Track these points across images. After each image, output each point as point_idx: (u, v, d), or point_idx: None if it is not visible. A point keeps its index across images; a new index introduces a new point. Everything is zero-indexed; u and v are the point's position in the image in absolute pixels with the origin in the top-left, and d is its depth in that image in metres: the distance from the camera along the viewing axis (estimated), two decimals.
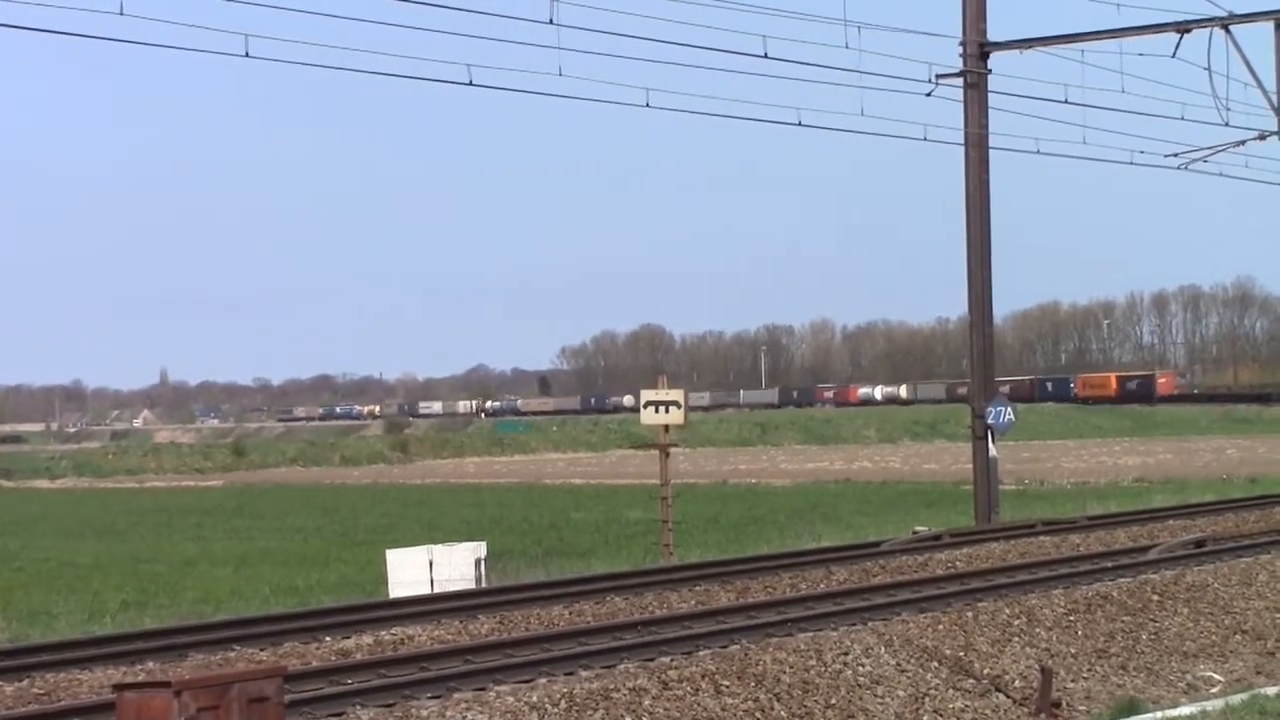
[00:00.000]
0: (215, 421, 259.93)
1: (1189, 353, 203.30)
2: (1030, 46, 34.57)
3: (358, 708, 15.70)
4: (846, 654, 18.67)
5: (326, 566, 40.19)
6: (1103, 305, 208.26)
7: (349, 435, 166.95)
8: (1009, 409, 34.93)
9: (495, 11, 23.35)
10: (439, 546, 28.91)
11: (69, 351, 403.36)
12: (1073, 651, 20.50)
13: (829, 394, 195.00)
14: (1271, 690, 19.60)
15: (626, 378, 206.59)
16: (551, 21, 23.32)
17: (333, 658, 18.89)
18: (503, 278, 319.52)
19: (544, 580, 26.85)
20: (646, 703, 16.50)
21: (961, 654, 19.53)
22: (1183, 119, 33.88)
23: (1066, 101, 32.41)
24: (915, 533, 32.01)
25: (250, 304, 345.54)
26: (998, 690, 18.79)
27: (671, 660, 17.83)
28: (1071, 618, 21.53)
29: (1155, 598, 23.00)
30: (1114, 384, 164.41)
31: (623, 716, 16.18)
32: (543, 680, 16.89)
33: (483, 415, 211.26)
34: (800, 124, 29.09)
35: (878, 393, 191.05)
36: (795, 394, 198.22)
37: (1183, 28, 32.91)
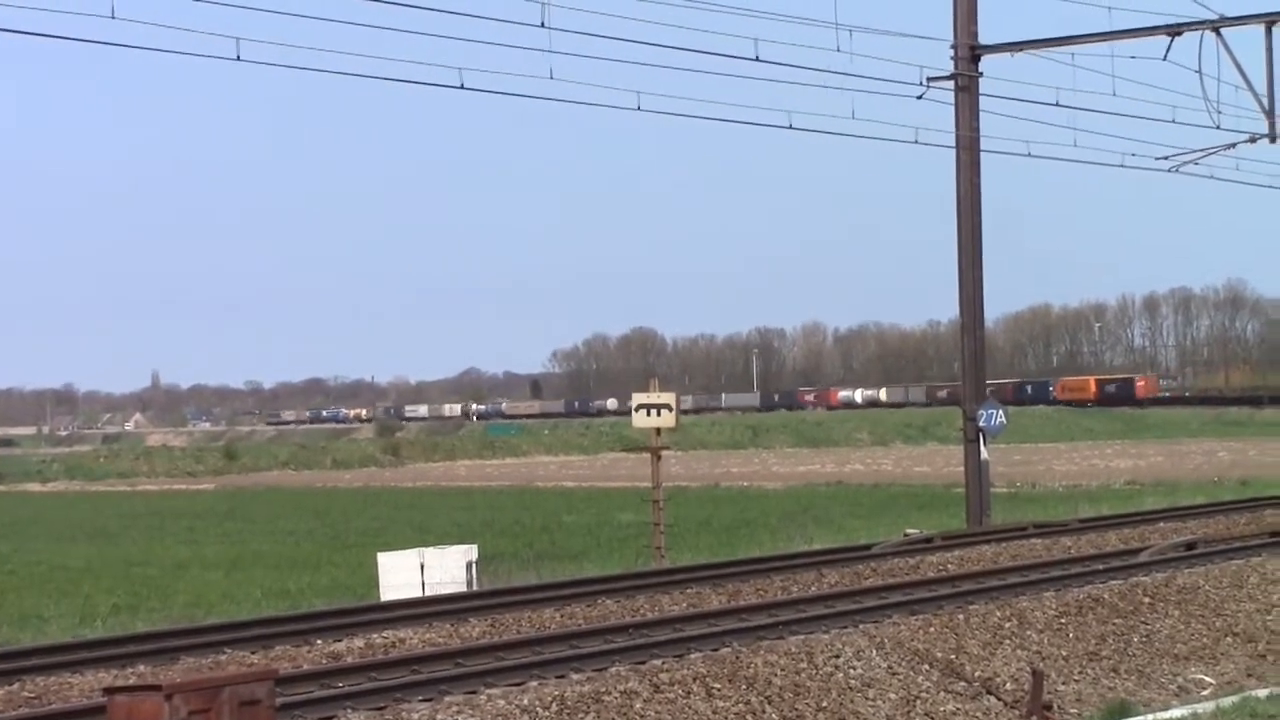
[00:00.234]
0: (207, 425, 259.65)
1: (1180, 355, 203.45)
2: (1021, 49, 34.60)
3: (349, 711, 15.70)
4: (838, 656, 18.67)
5: (318, 569, 40.15)
6: (1094, 308, 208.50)
7: (340, 438, 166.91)
8: (1000, 412, 34.96)
9: (487, 15, 23.35)
10: (430, 549, 28.88)
11: (60, 355, 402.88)
12: (1064, 654, 20.52)
13: (810, 397, 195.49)
14: (1262, 692, 19.63)
15: (618, 381, 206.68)
16: (543, 25, 23.33)
17: (324, 661, 18.89)
18: (495, 281, 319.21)
19: (535, 583, 26.84)
20: (638, 705, 16.50)
21: (953, 656, 19.54)
22: (1174, 121, 33.94)
23: (1057, 104, 32.45)
24: (907, 535, 32.01)
25: (242, 307, 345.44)
26: (989, 693, 18.80)
27: (663, 663, 17.83)
28: (1063, 620, 21.54)
29: (1146, 600, 23.02)
30: (1093, 387, 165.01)
31: (614, 719, 16.19)
32: (534, 683, 16.89)
33: (473, 419, 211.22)
34: (791, 127, 29.07)
35: (858, 395, 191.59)
36: (776, 397, 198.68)
37: (1174, 30, 32.95)
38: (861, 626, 20.11)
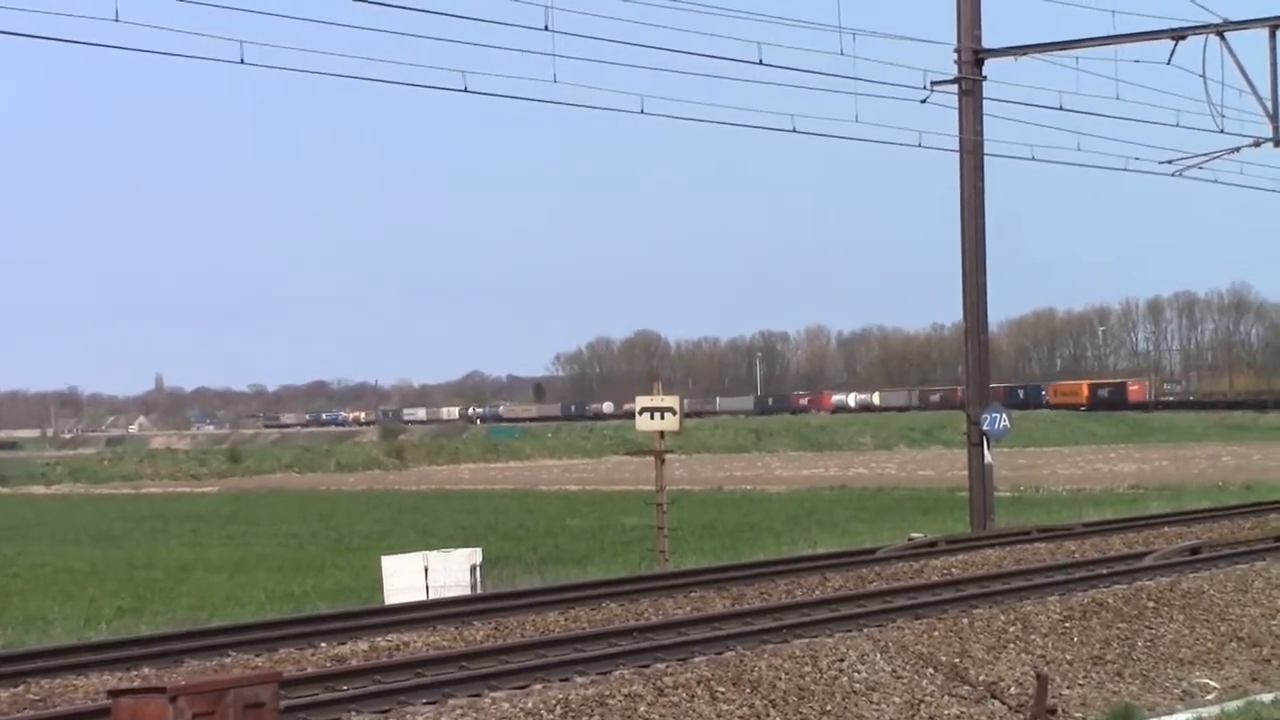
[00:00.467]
0: (211, 428, 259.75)
1: (1185, 359, 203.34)
2: (1025, 53, 34.59)
3: (353, 714, 15.71)
4: (842, 660, 18.67)
5: (322, 572, 40.16)
6: (1098, 312, 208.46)
7: (344, 441, 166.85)
8: (1004, 415, 34.94)
9: (491, 18, 23.36)
10: (434, 553, 28.88)
11: (64, 357, 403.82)
12: (1068, 658, 20.51)
13: (804, 401, 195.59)
14: (1267, 697, 19.63)
15: (621, 384, 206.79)
16: (547, 28, 23.33)
17: (328, 664, 18.89)
18: (498, 284, 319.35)
19: (539, 586, 26.83)
20: (642, 709, 16.50)
21: (957, 661, 19.53)
22: (1178, 126, 33.93)
23: (1061, 108, 32.43)
24: (911, 539, 32.00)
25: (246, 310, 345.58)
26: (993, 697, 18.80)
27: (667, 667, 17.83)
28: (1067, 624, 21.53)
29: (1151, 605, 23.00)
30: (1085, 392, 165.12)
31: None
32: (538, 687, 16.89)
33: (477, 421, 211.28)
34: (795, 130, 29.05)
35: (852, 400, 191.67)
36: (770, 401, 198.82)
37: (1178, 35, 32.93)
38: (866, 630, 20.10)
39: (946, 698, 18.50)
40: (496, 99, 24.39)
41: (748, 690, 17.39)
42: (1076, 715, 18.89)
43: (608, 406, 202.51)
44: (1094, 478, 71.40)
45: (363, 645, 20.14)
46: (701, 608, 22.98)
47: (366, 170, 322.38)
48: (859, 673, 18.50)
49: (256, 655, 19.58)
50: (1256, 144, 34.26)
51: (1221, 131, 33.08)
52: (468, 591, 27.09)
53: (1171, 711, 19.28)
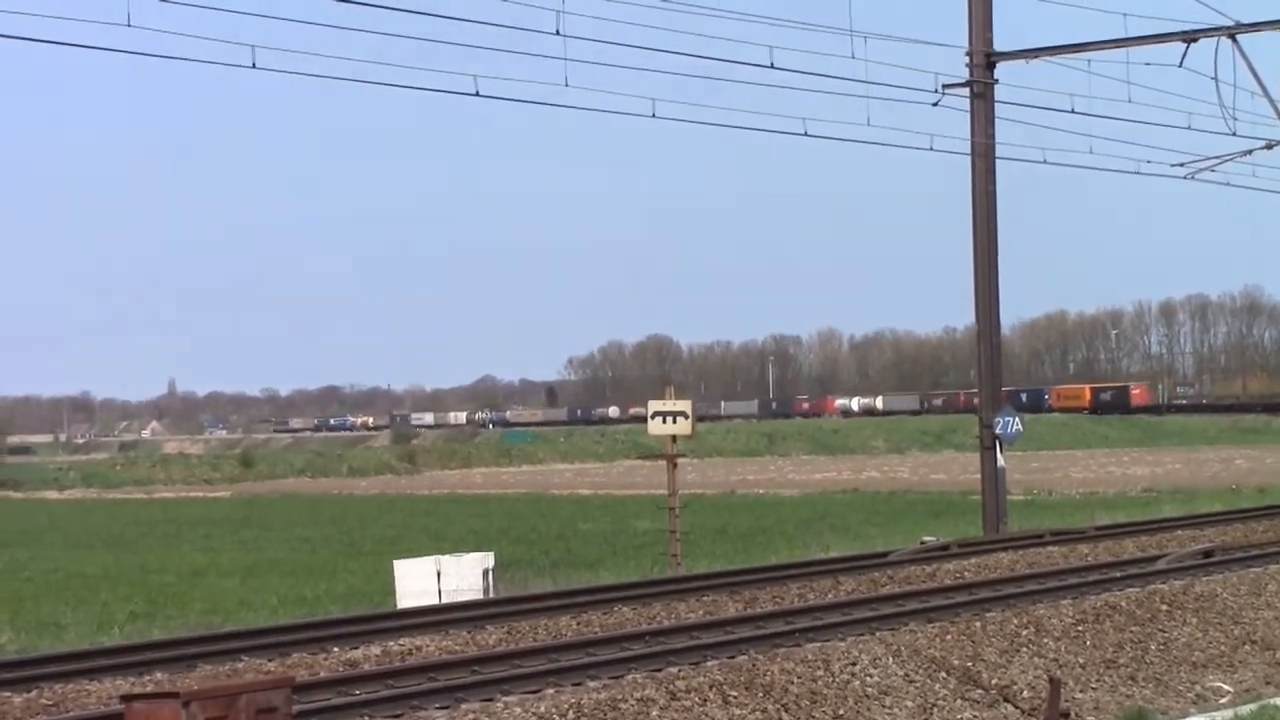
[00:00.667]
0: (223, 432, 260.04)
1: (1197, 362, 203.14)
2: (1036, 56, 34.57)
3: (366, 718, 15.71)
4: (854, 664, 18.66)
5: (334, 577, 40.18)
6: (1110, 315, 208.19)
7: (356, 446, 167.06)
8: (1017, 419, 34.91)
9: (502, 23, 23.38)
10: (447, 557, 28.88)
11: (77, 363, 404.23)
12: (1081, 662, 20.48)
13: (806, 405, 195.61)
14: None
15: (634, 388, 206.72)
16: (558, 33, 23.36)
17: (341, 668, 18.90)
18: (510, 287, 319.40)
19: (551, 590, 26.83)
20: (654, 713, 16.50)
21: (969, 664, 19.51)
22: (1190, 128, 33.90)
23: (1073, 111, 32.42)
24: (923, 543, 31.96)
25: (259, 315, 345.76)
26: (1006, 701, 18.78)
27: (679, 671, 17.83)
28: (1080, 628, 21.50)
29: (1164, 608, 22.97)
30: (1088, 395, 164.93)
31: None
32: (550, 691, 16.89)
33: (489, 426, 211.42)
34: (806, 134, 29.09)
35: (855, 404, 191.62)
36: (774, 405, 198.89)
37: (1189, 37, 32.89)
38: (878, 634, 20.09)
39: (959, 702, 18.48)
40: (508, 103, 24.41)
41: (760, 694, 17.39)
42: (1090, 719, 18.86)
43: (614, 411, 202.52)
44: (1107, 481, 71.33)
45: (375, 649, 20.15)
46: (714, 611, 22.97)
47: (377, 175, 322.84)
48: (871, 676, 18.48)
49: (269, 660, 19.59)
50: (1269, 146, 34.26)
51: (1234, 134, 33.06)
52: (480, 595, 27.08)
53: (1185, 715, 19.25)
